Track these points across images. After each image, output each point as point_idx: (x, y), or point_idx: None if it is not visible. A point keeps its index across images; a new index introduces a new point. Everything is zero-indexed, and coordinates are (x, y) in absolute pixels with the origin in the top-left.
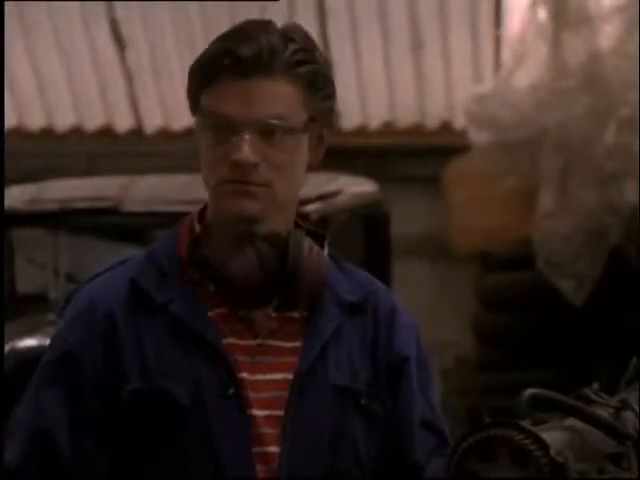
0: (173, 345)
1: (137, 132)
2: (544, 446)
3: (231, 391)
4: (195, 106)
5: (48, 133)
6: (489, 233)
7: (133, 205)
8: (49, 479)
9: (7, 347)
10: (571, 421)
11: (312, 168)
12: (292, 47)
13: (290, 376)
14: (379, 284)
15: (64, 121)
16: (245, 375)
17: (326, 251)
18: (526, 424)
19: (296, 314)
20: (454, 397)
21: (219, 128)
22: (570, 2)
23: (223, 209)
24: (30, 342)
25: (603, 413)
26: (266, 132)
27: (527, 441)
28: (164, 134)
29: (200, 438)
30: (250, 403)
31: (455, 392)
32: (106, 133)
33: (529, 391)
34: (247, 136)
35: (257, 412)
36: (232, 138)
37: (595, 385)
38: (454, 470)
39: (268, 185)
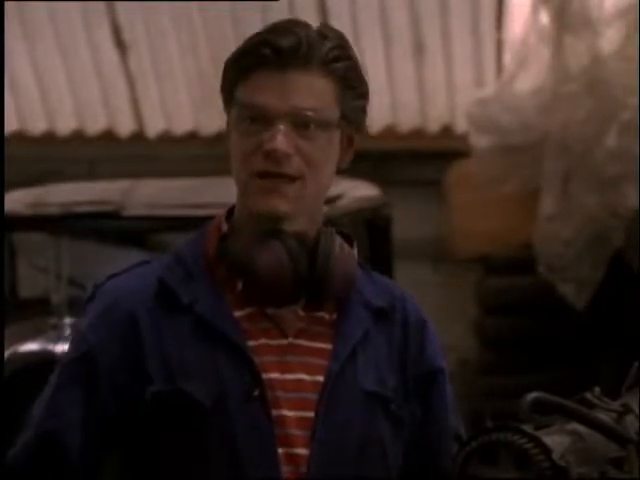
0: (197, 346)
1: (139, 136)
2: (546, 450)
3: (256, 392)
4: (229, 99)
5: (50, 137)
6: (491, 237)
7: (135, 209)
8: (49, 478)
9: (9, 351)
10: (573, 425)
11: (338, 171)
12: (329, 43)
13: (319, 378)
14: (408, 292)
15: (66, 125)
16: (273, 375)
17: (355, 252)
18: (528, 428)
19: (325, 315)
20: (456, 400)
21: (254, 119)
22: (572, 6)
23: (253, 205)
24: (32, 346)
25: (605, 417)
26: (301, 124)
27: (529, 445)
28: (166, 138)
29: (222, 440)
30: (279, 403)
31: (457, 395)
32: (108, 137)
33: (531, 395)
34: (282, 126)
35: (287, 413)
36: (266, 129)
37: (597, 389)
38: (457, 473)
39: (300, 178)
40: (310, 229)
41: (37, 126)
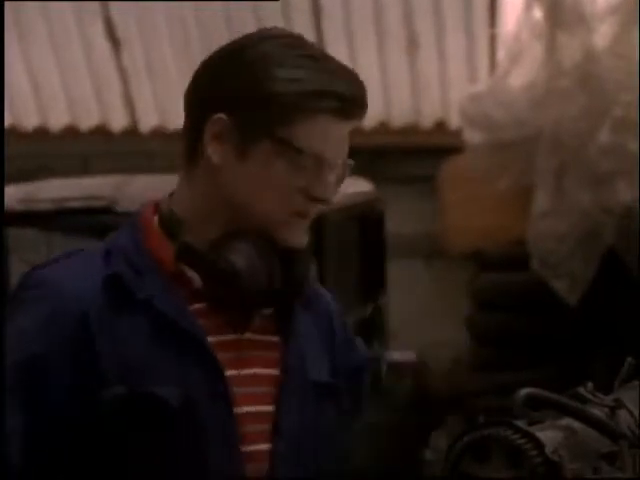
0: (158, 344)
1: (132, 132)
2: (539, 445)
3: (220, 389)
4: (270, 126)
5: (42, 133)
6: (484, 233)
7: (127, 205)
8: None
9: None
10: (566, 420)
11: None
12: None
13: (274, 371)
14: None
15: (58, 121)
16: (231, 372)
17: None
18: (521, 423)
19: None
20: (448, 397)
21: (305, 163)
22: (565, 2)
23: (281, 237)
24: None
25: (598, 412)
26: (341, 176)
27: (522, 440)
28: (159, 134)
29: (190, 439)
30: (238, 400)
31: (451, 392)
32: (101, 133)
33: (524, 390)
34: (332, 178)
35: (246, 409)
36: (316, 175)
37: (589, 384)
38: (449, 470)
39: None
40: None
41: (30, 122)
